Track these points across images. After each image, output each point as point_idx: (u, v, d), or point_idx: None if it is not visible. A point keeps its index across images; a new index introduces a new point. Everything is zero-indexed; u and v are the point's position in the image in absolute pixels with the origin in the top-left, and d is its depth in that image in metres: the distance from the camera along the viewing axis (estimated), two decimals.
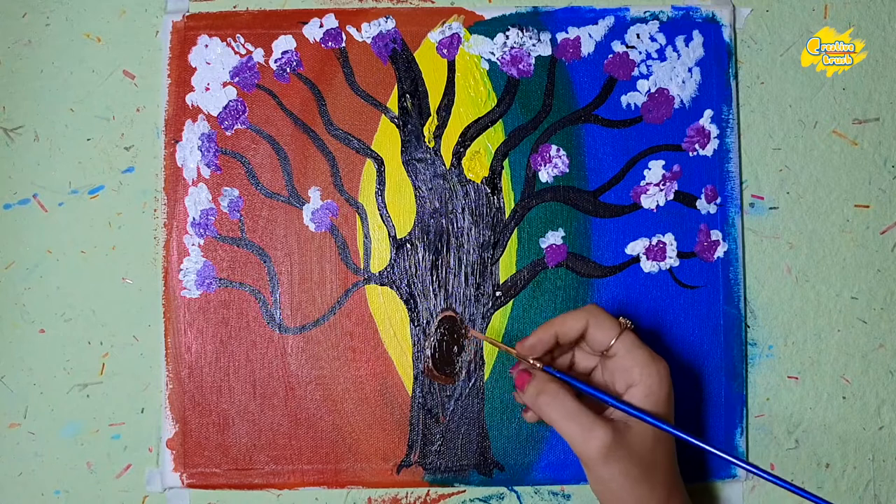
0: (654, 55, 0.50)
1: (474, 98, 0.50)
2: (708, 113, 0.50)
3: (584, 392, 0.43)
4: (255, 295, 0.49)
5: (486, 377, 0.49)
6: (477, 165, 0.50)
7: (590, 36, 0.50)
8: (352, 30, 0.50)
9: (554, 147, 0.50)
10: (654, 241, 0.49)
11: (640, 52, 0.50)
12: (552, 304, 0.49)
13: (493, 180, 0.49)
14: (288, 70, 0.50)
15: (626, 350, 0.42)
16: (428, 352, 0.49)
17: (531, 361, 0.43)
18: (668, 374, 0.42)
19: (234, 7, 0.50)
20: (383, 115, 0.50)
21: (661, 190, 0.49)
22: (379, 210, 0.49)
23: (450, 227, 0.49)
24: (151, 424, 0.49)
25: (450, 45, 0.50)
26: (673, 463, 0.42)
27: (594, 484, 0.41)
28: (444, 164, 0.50)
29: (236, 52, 0.50)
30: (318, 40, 0.50)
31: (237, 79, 0.50)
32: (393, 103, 0.50)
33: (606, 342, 0.42)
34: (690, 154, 0.50)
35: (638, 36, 0.50)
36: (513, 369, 0.45)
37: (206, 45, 0.50)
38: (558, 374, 0.43)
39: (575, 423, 0.40)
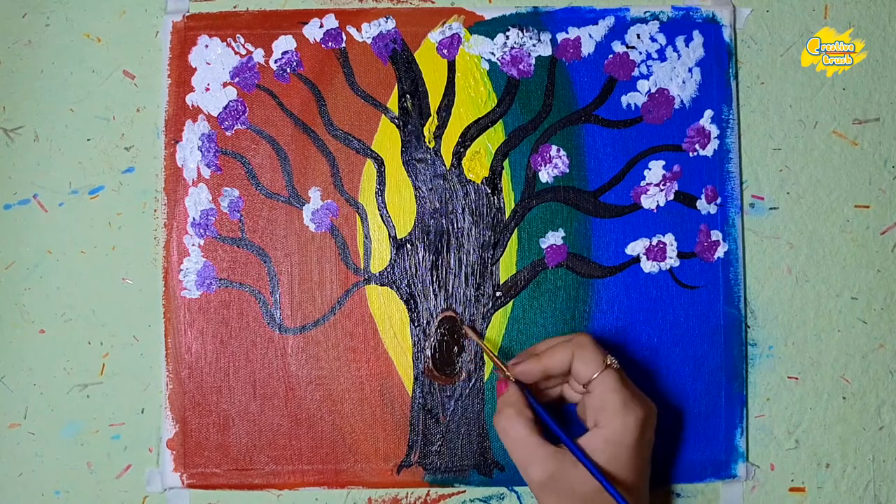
0: (655, 55, 0.50)
1: (474, 98, 0.50)
2: (708, 113, 0.50)
3: (544, 421, 0.43)
4: (255, 295, 0.49)
5: (486, 377, 0.49)
6: (477, 165, 0.50)
7: (590, 36, 0.50)
8: (352, 30, 0.50)
9: (554, 147, 0.50)
10: (655, 241, 0.49)
11: (641, 53, 0.50)
12: (552, 304, 0.49)
13: (493, 180, 0.49)
14: (288, 70, 0.50)
15: (603, 390, 0.41)
16: (428, 352, 0.49)
17: (508, 375, 0.44)
18: (642, 422, 0.41)
19: (234, 7, 0.50)
20: (383, 116, 0.50)
21: (662, 190, 0.49)
22: (379, 210, 0.49)
23: (450, 228, 0.49)
24: (151, 424, 0.49)
25: (450, 46, 0.50)
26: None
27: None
28: (444, 165, 0.50)
29: (236, 53, 0.50)
30: (318, 40, 0.50)
31: (237, 79, 0.50)
32: (393, 103, 0.50)
33: (587, 377, 0.42)
34: (690, 154, 0.50)
35: (638, 36, 0.50)
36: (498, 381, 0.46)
37: (206, 46, 0.50)
38: (529, 397, 0.43)
39: (520, 449, 0.41)
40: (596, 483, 0.40)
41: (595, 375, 0.41)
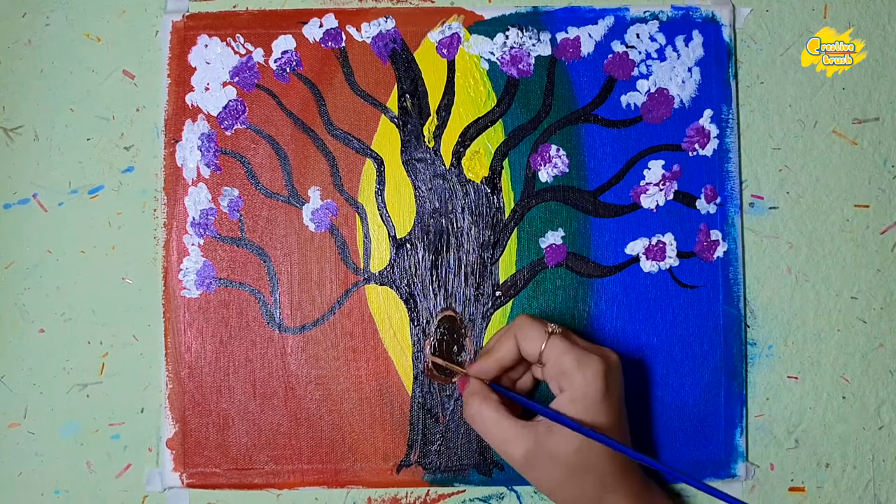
0: (654, 55, 0.50)
1: (474, 98, 0.50)
2: (708, 113, 0.50)
3: (511, 398, 0.43)
4: (254, 295, 0.49)
5: None
6: (477, 165, 0.50)
7: (589, 36, 0.50)
8: (351, 30, 0.50)
9: (554, 147, 0.50)
10: (654, 240, 0.49)
11: (640, 52, 0.50)
12: (552, 303, 0.49)
13: (492, 180, 0.50)
14: (288, 70, 0.50)
15: (555, 356, 0.41)
16: (428, 351, 0.49)
17: (467, 374, 0.44)
18: (603, 374, 0.41)
19: (234, 7, 0.50)
20: (383, 115, 0.50)
21: (661, 190, 0.49)
22: (379, 210, 0.49)
23: (450, 227, 0.49)
24: (151, 424, 0.49)
25: (449, 45, 0.50)
26: (612, 461, 0.41)
27: (532, 483, 0.42)
28: (443, 164, 0.50)
29: (236, 52, 0.50)
30: (317, 40, 0.50)
31: (237, 79, 0.50)
32: (393, 103, 0.50)
33: (536, 351, 0.42)
34: (690, 154, 0.50)
35: (638, 36, 0.50)
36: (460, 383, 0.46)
37: (206, 45, 0.50)
38: (492, 384, 0.44)
39: (494, 431, 0.41)
40: (574, 444, 0.40)
41: (542, 346, 0.42)
